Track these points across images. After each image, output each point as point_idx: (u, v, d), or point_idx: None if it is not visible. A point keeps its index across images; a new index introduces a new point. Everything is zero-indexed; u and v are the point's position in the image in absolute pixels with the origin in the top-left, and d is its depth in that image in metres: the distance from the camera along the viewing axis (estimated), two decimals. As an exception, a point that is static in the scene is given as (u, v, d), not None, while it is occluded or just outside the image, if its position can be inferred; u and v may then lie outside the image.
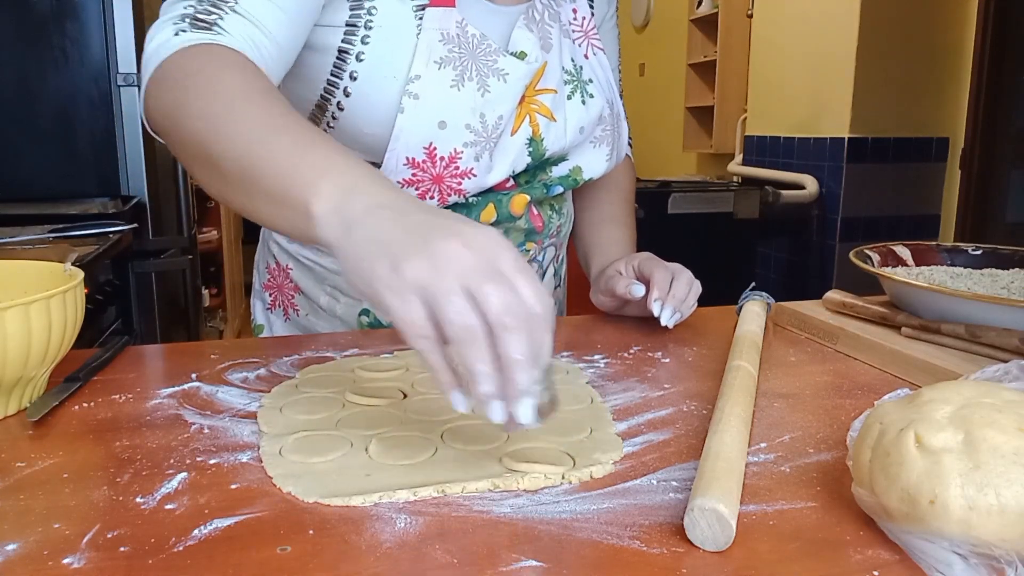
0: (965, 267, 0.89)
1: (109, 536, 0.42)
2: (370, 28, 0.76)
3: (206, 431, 0.57)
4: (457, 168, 0.80)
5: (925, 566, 0.39)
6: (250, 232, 4.74)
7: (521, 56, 0.82)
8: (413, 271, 0.43)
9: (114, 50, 1.74)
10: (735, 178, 3.77)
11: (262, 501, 0.46)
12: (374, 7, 0.76)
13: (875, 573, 0.40)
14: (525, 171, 0.87)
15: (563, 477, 0.49)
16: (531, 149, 0.85)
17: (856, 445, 0.46)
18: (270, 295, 0.95)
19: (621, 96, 1.00)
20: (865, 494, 0.43)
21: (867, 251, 0.89)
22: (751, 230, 3.20)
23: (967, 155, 3.04)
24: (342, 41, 0.77)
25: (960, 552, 0.38)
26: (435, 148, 0.79)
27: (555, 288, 1.03)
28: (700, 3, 4.29)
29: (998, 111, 2.94)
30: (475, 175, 0.81)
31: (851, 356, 0.77)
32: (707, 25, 4.25)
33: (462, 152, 0.79)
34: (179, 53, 0.64)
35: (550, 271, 0.99)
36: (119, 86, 1.76)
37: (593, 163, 0.92)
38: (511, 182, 0.86)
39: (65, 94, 1.74)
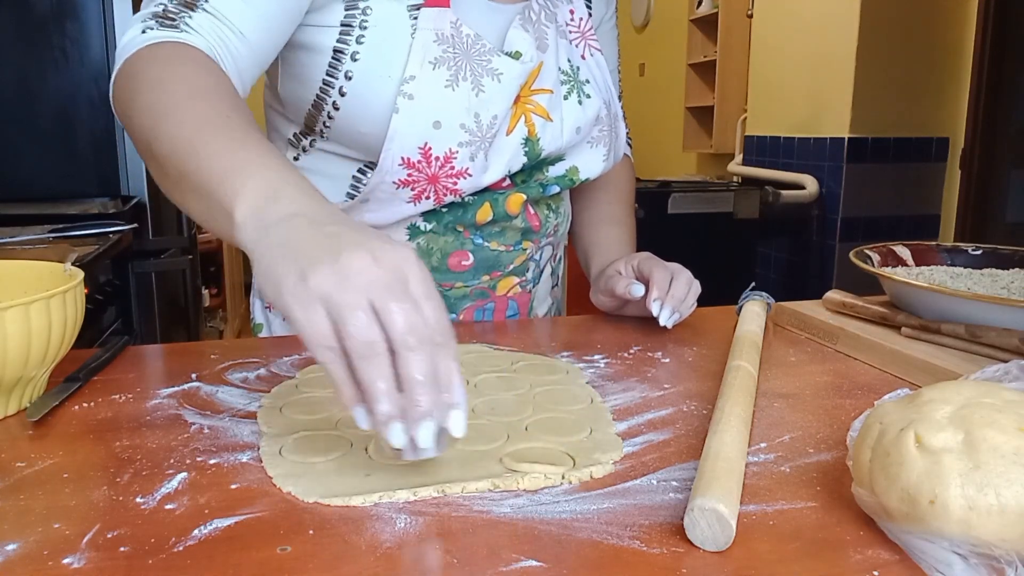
0: (965, 267, 0.89)
1: (109, 536, 0.42)
2: (365, 28, 0.77)
3: (206, 431, 0.57)
4: (452, 168, 0.80)
5: (925, 566, 0.39)
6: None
7: (516, 56, 0.82)
8: (319, 281, 0.43)
9: (114, 50, 1.74)
10: (735, 178, 3.77)
11: (262, 501, 0.46)
12: (369, 7, 0.77)
13: (875, 573, 0.40)
14: (521, 171, 0.87)
15: (563, 477, 0.49)
16: (527, 149, 0.85)
17: (856, 445, 0.46)
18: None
19: (620, 97, 1.00)
20: (865, 494, 0.43)
21: (867, 251, 0.89)
22: (751, 230, 3.20)
23: (967, 155, 3.03)
24: (337, 41, 0.77)
25: (960, 552, 0.38)
26: (430, 148, 0.79)
27: (552, 288, 1.03)
28: (700, 3, 4.29)
29: (998, 111, 2.94)
30: (470, 175, 0.81)
31: (851, 356, 0.77)
32: (707, 25, 4.25)
33: (457, 152, 0.80)
34: (142, 50, 0.65)
35: (547, 270, 0.99)
36: (119, 86, 1.76)
37: (590, 163, 0.92)
38: (507, 181, 0.86)
39: (65, 94, 1.74)
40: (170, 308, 1.97)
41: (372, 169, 0.82)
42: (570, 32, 0.90)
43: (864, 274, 0.83)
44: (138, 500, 0.46)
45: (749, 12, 3.79)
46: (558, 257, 1.03)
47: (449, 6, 0.78)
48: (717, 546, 0.41)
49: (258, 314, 0.98)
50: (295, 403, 0.61)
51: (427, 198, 0.82)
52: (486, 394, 0.64)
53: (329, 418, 0.59)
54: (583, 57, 0.91)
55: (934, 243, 0.92)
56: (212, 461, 0.52)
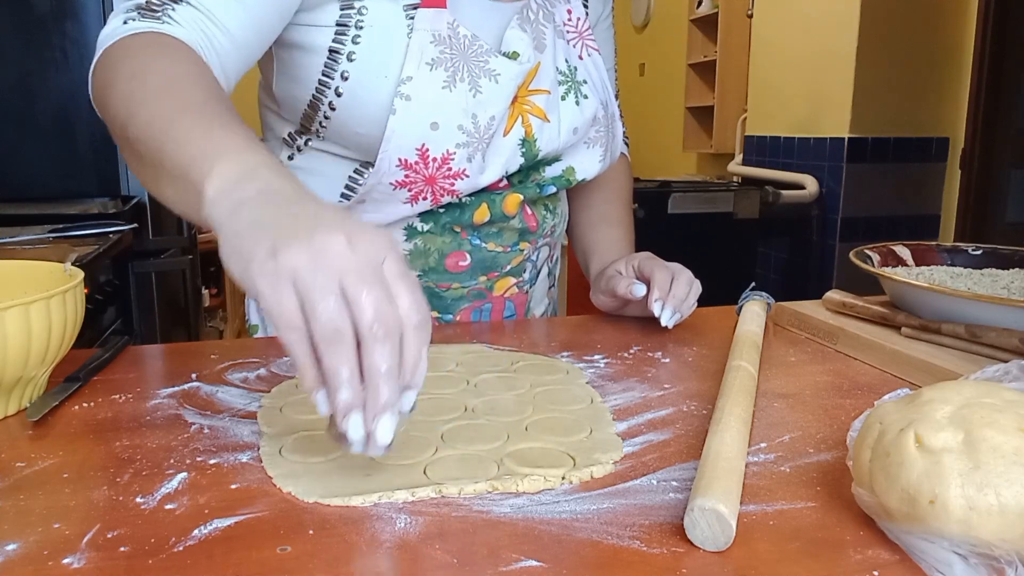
0: (965, 267, 0.89)
1: (109, 536, 0.42)
2: (360, 28, 0.76)
3: (206, 431, 0.57)
4: (450, 169, 0.80)
5: (925, 566, 0.39)
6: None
7: (513, 56, 0.82)
8: (291, 259, 0.42)
9: (114, 50, 1.74)
10: (735, 178, 3.77)
11: (262, 501, 0.46)
12: (364, 7, 0.76)
13: (875, 573, 0.40)
14: (518, 171, 0.87)
15: (563, 477, 0.49)
16: (524, 150, 0.85)
17: (856, 445, 0.46)
18: None
19: (617, 97, 0.99)
20: (865, 494, 0.43)
21: (867, 251, 0.89)
22: (751, 230, 3.19)
23: (967, 155, 3.03)
24: (332, 41, 0.77)
25: (960, 552, 0.38)
26: (427, 149, 0.79)
27: (549, 288, 1.03)
28: (700, 3, 4.29)
29: (998, 111, 2.94)
30: (468, 176, 0.81)
31: (851, 356, 0.77)
32: (707, 25, 4.25)
33: (454, 153, 0.79)
34: (123, 40, 0.65)
35: (544, 271, 0.99)
36: (119, 86, 1.75)
37: (586, 164, 0.92)
38: (504, 182, 0.86)
39: (65, 94, 1.74)
40: (170, 308, 1.97)
41: (368, 169, 0.82)
42: (568, 32, 0.90)
43: (864, 274, 0.83)
44: (138, 500, 0.46)
45: (749, 12, 3.79)
46: (555, 258, 1.03)
47: (446, 6, 0.78)
48: (717, 546, 0.41)
49: (253, 315, 0.98)
50: (295, 403, 0.61)
51: (424, 199, 0.82)
52: (486, 394, 0.64)
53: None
54: (580, 57, 0.91)
55: (934, 243, 0.92)
56: (212, 461, 0.52)
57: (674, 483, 0.49)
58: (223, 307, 3.61)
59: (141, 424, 0.58)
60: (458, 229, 0.87)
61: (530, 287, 0.97)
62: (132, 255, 1.75)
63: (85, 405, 0.62)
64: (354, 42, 0.76)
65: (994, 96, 2.93)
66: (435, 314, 0.90)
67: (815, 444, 0.55)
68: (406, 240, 0.86)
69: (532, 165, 0.87)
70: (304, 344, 0.42)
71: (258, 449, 0.53)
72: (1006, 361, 0.52)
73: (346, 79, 0.77)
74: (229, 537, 0.42)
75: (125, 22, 0.66)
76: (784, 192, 3.19)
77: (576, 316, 0.95)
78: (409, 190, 0.81)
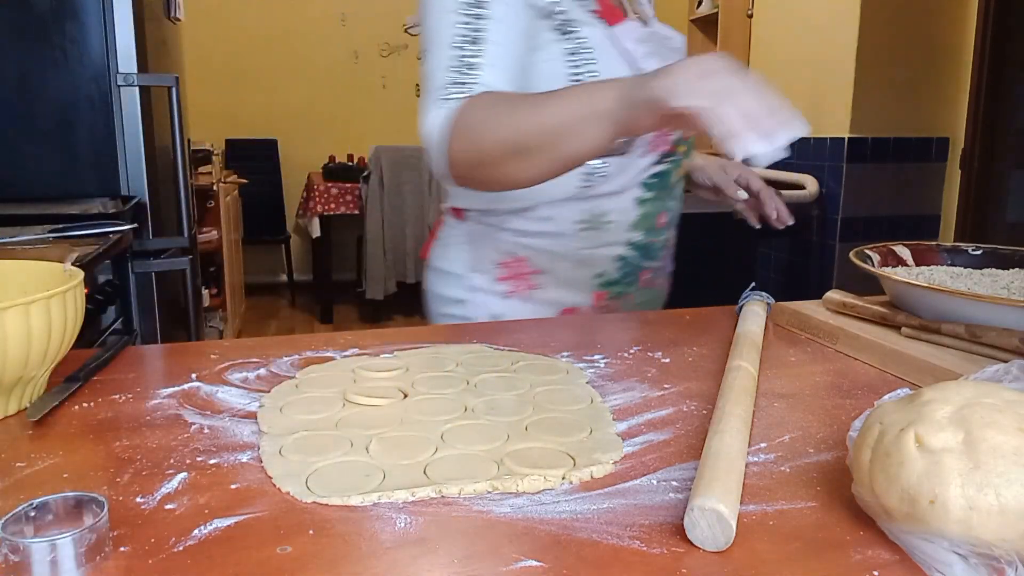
0: (965, 267, 0.89)
1: (109, 536, 0.42)
2: (589, 50, 0.93)
3: (206, 431, 0.57)
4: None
5: (925, 566, 0.39)
6: (251, 232, 4.74)
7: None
8: (706, 85, 0.65)
9: (114, 50, 1.74)
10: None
11: (262, 501, 0.46)
12: (578, 34, 0.93)
13: (875, 573, 0.40)
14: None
15: (563, 477, 0.49)
16: None
17: (856, 445, 0.46)
18: (509, 284, 1.03)
19: None
20: (865, 494, 0.43)
21: (867, 251, 0.89)
22: (751, 230, 3.19)
23: (967, 155, 3.03)
24: (569, 67, 0.93)
25: (960, 552, 0.38)
26: None
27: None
28: (700, 3, 4.29)
29: (998, 111, 2.94)
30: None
31: (851, 356, 0.77)
32: (707, 25, 4.25)
33: None
34: (463, 108, 0.82)
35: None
36: (119, 86, 1.75)
37: None
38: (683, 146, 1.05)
39: (65, 94, 1.74)
40: (170, 308, 1.97)
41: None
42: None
43: (864, 274, 0.83)
44: (138, 500, 0.46)
45: (749, 12, 3.79)
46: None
47: (626, 19, 0.97)
48: (717, 546, 0.41)
49: (493, 306, 1.03)
50: (295, 403, 0.61)
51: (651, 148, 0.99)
52: (486, 394, 0.64)
53: (329, 418, 0.59)
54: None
55: (934, 243, 0.92)
56: (212, 461, 0.52)
57: (674, 483, 0.49)
58: (223, 307, 3.61)
59: (141, 424, 0.58)
60: (662, 194, 1.02)
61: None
62: (132, 255, 1.75)
63: (85, 405, 0.62)
64: (587, 63, 0.92)
65: (994, 96, 2.93)
66: (649, 264, 1.06)
67: (815, 444, 0.55)
68: (638, 206, 1.01)
69: None
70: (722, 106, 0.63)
71: (258, 449, 0.54)
72: (1006, 361, 0.52)
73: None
74: (229, 537, 0.42)
75: (445, 99, 0.83)
76: (784, 192, 3.17)
77: (576, 316, 0.95)
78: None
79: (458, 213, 1.06)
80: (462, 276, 1.05)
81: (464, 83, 0.84)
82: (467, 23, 0.86)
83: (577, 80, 0.91)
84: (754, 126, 0.62)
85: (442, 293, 1.07)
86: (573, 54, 0.92)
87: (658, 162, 1.00)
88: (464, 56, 0.85)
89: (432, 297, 1.09)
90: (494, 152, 0.80)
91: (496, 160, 0.80)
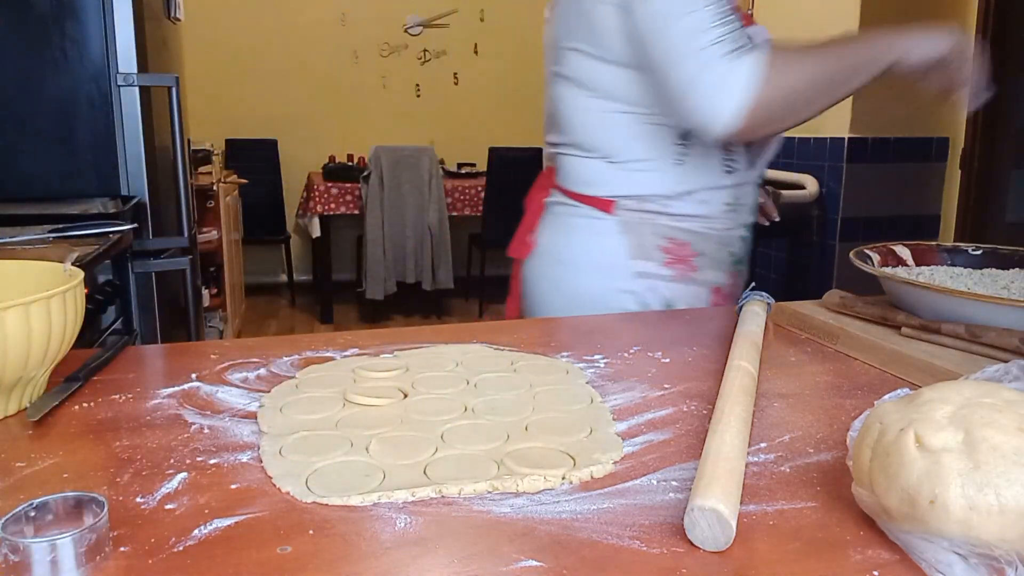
0: (965, 267, 0.89)
1: (109, 536, 0.42)
2: None
3: (206, 431, 0.57)
4: None
5: (925, 566, 0.39)
6: (251, 232, 4.74)
7: None
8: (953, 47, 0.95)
9: (114, 50, 1.74)
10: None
11: (262, 501, 0.46)
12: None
13: (875, 573, 0.40)
14: None
15: (563, 477, 0.49)
16: None
17: (856, 445, 0.46)
18: (674, 268, 1.07)
19: None
20: (865, 494, 0.43)
21: (867, 251, 0.89)
22: (751, 230, 3.19)
23: (967, 155, 3.03)
24: None
25: (960, 552, 0.38)
26: None
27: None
28: (700, 3, 4.28)
29: (998, 111, 2.94)
30: None
31: (851, 356, 0.77)
32: (707, 25, 4.24)
33: None
34: (768, 59, 0.90)
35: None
36: (119, 86, 1.75)
37: None
38: None
39: (65, 94, 1.74)
40: (170, 308, 1.97)
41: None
42: None
43: (864, 274, 0.83)
44: (138, 500, 0.46)
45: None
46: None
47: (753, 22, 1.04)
48: (717, 546, 0.41)
49: (663, 292, 1.06)
50: (295, 403, 0.61)
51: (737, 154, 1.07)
52: (486, 394, 0.64)
53: (329, 418, 0.59)
54: None
55: (934, 243, 0.92)
56: (212, 461, 0.52)
57: (674, 483, 0.49)
58: (223, 307, 3.61)
59: (141, 424, 0.58)
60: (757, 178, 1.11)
61: None
62: (132, 255, 1.75)
63: (85, 405, 0.62)
64: None
65: (994, 96, 2.93)
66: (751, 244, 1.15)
67: (815, 444, 0.55)
68: (755, 190, 1.11)
69: None
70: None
71: (258, 449, 0.54)
72: (1006, 361, 0.52)
73: None
74: (229, 537, 0.42)
75: (737, 51, 0.89)
76: (784, 192, 3.19)
77: (576, 316, 0.95)
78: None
79: (604, 205, 1.06)
80: (625, 265, 1.06)
81: (742, 37, 0.90)
82: None
83: None
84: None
85: (596, 284, 1.07)
86: None
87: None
88: (723, 14, 0.90)
89: (563, 291, 1.09)
90: (807, 91, 0.93)
91: (807, 99, 0.93)
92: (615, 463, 0.52)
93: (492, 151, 4.45)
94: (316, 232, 4.42)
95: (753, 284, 0.90)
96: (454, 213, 4.52)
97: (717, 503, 0.41)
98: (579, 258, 1.08)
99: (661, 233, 1.05)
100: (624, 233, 1.05)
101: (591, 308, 1.03)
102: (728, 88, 0.88)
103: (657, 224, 1.05)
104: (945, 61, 0.96)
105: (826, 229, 3.21)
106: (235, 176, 4.19)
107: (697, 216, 1.05)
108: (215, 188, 3.49)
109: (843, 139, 3.09)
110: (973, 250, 0.90)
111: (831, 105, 0.96)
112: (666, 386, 0.67)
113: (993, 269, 0.88)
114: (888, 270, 0.85)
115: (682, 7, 0.89)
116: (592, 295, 1.06)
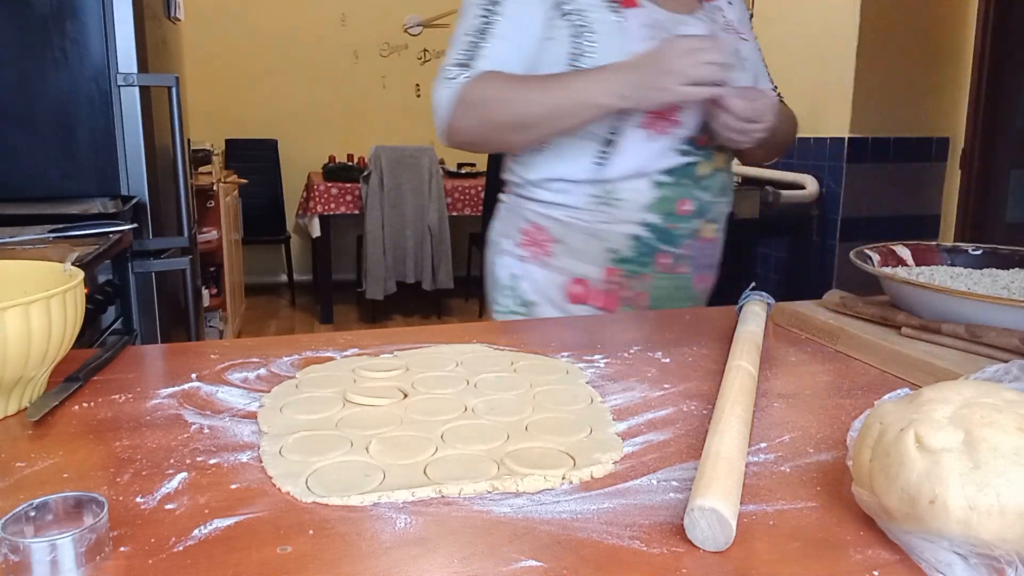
0: (965, 267, 0.89)
1: (110, 536, 0.42)
2: (593, 32, 1.02)
3: (206, 431, 0.57)
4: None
5: (925, 566, 0.39)
6: (251, 232, 4.74)
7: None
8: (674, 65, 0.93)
9: (114, 50, 1.74)
10: (735, 178, 3.76)
11: (262, 501, 0.46)
12: (584, 24, 1.02)
13: (875, 573, 0.40)
14: None
15: (563, 477, 0.49)
16: None
17: (856, 445, 0.46)
18: (527, 250, 1.13)
19: (769, 76, 1.22)
20: (865, 494, 0.43)
21: (867, 251, 0.89)
22: (751, 230, 3.19)
23: (967, 155, 3.03)
24: (571, 47, 1.03)
25: (960, 552, 0.38)
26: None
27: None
28: (700, 3, 4.28)
29: (998, 111, 2.94)
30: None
31: (851, 356, 0.77)
32: (707, 25, 4.24)
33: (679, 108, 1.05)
34: (465, 87, 1.01)
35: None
36: (119, 86, 1.75)
37: None
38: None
39: (65, 94, 1.74)
40: (170, 308, 1.97)
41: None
42: (725, 29, 1.12)
43: (864, 274, 0.83)
44: (138, 500, 0.46)
45: (749, 12, 3.79)
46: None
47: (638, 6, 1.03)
48: (717, 546, 0.41)
49: (513, 268, 1.13)
50: (295, 403, 0.61)
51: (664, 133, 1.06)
52: (486, 394, 0.64)
53: (329, 418, 0.59)
54: (738, 49, 1.13)
55: (934, 243, 0.92)
56: (212, 461, 0.52)
57: (674, 483, 0.49)
58: (223, 307, 3.61)
59: (141, 424, 0.58)
60: (686, 181, 1.06)
61: (722, 236, 1.17)
62: (132, 255, 1.75)
63: (85, 405, 0.62)
64: (588, 43, 1.02)
65: (994, 96, 2.93)
66: (667, 248, 1.09)
67: (815, 444, 0.55)
68: (655, 188, 1.05)
69: None
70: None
71: (258, 449, 0.54)
72: (1006, 361, 0.52)
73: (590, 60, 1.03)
74: (229, 537, 0.42)
75: (452, 78, 1.03)
76: (784, 192, 3.19)
77: (576, 316, 0.95)
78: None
79: (506, 187, 1.18)
80: (495, 242, 1.17)
81: (468, 66, 1.02)
82: (483, 16, 1.04)
83: (576, 61, 1.02)
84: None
85: (486, 259, 1.19)
86: (576, 37, 1.02)
87: (681, 152, 1.06)
88: (473, 43, 1.03)
89: (485, 266, 1.21)
90: (494, 126, 1.02)
91: (496, 131, 1.03)
92: (615, 463, 0.52)
93: (492, 151, 4.44)
94: (316, 232, 4.42)
95: (753, 284, 0.90)
96: (454, 213, 4.51)
97: (717, 503, 0.41)
98: (488, 235, 1.21)
99: (526, 217, 1.13)
100: (506, 214, 1.17)
101: (490, 281, 1.17)
102: (436, 108, 1.05)
103: (524, 207, 1.13)
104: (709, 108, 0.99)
105: (826, 229, 3.21)
106: (235, 176, 4.19)
107: (558, 204, 1.09)
108: (215, 188, 3.49)
109: (843, 139, 3.09)
110: (973, 250, 0.90)
111: (546, 137, 1.03)
112: (666, 386, 0.67)
113: (993, 269, 0.88)
114: (888, 270, 0.85)
115: (454, 31, 1.05)
116: (488, 270, 1.18)
